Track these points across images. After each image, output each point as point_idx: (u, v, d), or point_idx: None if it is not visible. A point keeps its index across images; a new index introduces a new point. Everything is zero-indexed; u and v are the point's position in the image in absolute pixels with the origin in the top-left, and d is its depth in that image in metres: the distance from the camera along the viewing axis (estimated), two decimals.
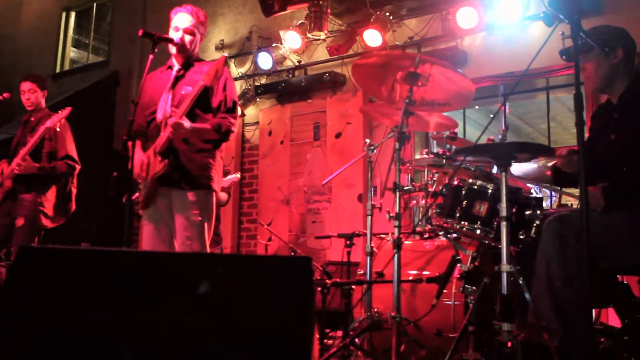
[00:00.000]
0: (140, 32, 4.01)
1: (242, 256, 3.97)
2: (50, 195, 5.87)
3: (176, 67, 4.28)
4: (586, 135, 3.65)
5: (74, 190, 6.07)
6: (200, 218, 4.07)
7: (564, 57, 3.34)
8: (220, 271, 1.90)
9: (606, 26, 3.48)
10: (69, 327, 1.83)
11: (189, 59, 4.28)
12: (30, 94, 6.06)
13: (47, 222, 5.82)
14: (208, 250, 4.23)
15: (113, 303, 1.86)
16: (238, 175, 6.83)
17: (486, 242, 3.70)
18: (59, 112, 5.70)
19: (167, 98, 4.15)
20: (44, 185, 5.83)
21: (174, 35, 4.21)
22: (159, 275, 1.90)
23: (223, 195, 6.43)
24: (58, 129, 5.75)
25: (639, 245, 3.12)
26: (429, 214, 3.77)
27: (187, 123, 3.93)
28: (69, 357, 1.81)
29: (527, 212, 3.41)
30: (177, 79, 4.23)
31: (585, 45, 3.31)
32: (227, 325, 1.82)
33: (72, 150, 5.96)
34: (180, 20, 4.23)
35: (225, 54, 4.74)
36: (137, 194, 4.19)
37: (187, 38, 4.22)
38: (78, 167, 5.97)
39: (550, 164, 3.90)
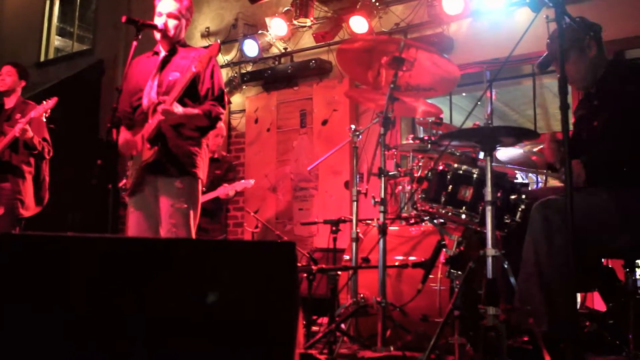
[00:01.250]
0: (124, 19, 3.98)
1: (225, 241, 3.97)
2: (28, 184, 5.83)
3: (163, 53, 4.26)
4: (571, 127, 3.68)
5: (47, 179, 6.03)
6: (185, 205, 4.05)
7: (539, 69, 3.43)
8: (204, 257, 1.90)
9: (568, 25, 3.40)
10: (52, 315, 1.82)
11: (174, 45, 4.25)
12: (6, 76, 5.98)
13: (24, 212, 5.77)
14: (194, 237, 4.22)
15: (96, 289, 1.85)
16: (252, 181, 6.77)
17: (471, 226, 3.71)
18: (45, 102, 5.64)
19: (152, 84, 4.13)
20: (21, 174, 5.78)
21: (157, 21, 4.18)
22: (142, 260, 1.89)
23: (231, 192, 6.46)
24: (44, 119, 5.71)
25: (624, 229, 3.15)
26: (415, 199, 3.77)
27: (178, 109, 3.91)
28: (52, 344, 1.80)
29: (513, 197, 3.42)
30: (164, 65, 4.20)
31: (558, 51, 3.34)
32: (211, 310, 1.82)
33: (48, 135, 5.92)
34: (164, 6, 4.20)
35: (219, 41, 4.69)
36: (124, 181, 4.17)
37: (171, 23, 4.18)
38: (52, 152, 5.93)
39: (536, 149, 3.91)
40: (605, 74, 3.44)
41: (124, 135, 4.10)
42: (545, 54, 3.61)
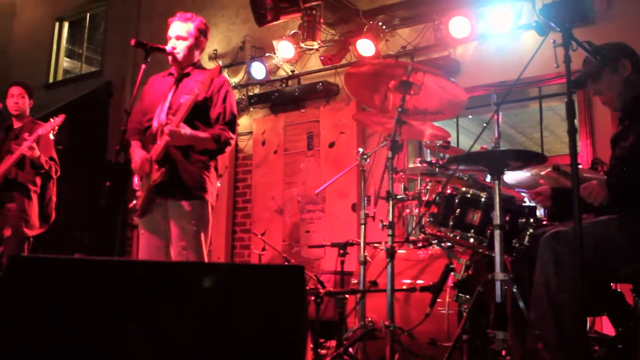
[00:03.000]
0: (133, 42, 4.00)
1: (234, 265, 3.96)
2: (34, 204, 5.84)
3: (176, 75, 4.28)
4: None
5: (54, 199, 6.04)
6: (195, 228, 4.05)
7: (574, 87, 3.37)
8: (213, 280, 1.89)
9: (606, 44, 3.47)
10: (60, 337, 1.82)
11: (186, 67, 4.27)
12: (19, 99, 6.02)
13: (28, 231, 5.77)
14: (205, 260, 4.21)
15: (105, 312, 1.85)
16: (218, 184, 6.74)
17: (479, 250, 3.70)
18: (52, 119, 5.67)
19: (163, 106, 4.15)
20: (27, 193, 5.79)
21: (168, 44, 4.20)
22: (151, 284, 1.89)
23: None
24: (52, 137, 5.74)
25: (632, 254, 3.13)
26: (423, 223, 3.77)
27: (184, 130, 3.92)
28: None
29: (521, 221, 3.41)
30: (177, 86, 4.22)
31: (595, 69, 3.33)
32: (220, 334, 1.82)
33: (55, 155, 5.94)
34: (173, 29, 4.23)
35: (220, 63, 4.72)
36: (134, 202, 4.17)
37: (180, 46, 4.20)
38: (59, 172, 5.94)
39: (543, 173, 3.91)
40: (638, 94, 3.42)
41: (138, 152, 4.14)
42: (580, 72, 3.57)
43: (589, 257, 2.54)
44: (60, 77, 12.24)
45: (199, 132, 4.04)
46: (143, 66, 3.96)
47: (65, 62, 12.44)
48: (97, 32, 12.12)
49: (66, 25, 12.46)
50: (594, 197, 3.14)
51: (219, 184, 6.90)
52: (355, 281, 4.54)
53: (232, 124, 4.18)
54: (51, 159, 5.86)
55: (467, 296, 3.64)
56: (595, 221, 3.26)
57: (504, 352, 3.04)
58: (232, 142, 4.18)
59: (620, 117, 3.56)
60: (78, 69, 12.40)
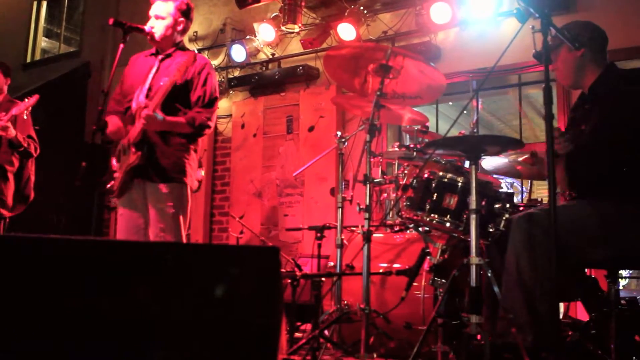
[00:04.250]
0: (111, 21, 3.96)
1: (209, 246, 3.96)
2: (10, 184, 5.78)
3: (160, 56, 4.23)
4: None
5: (32, 178, 5.98)
6: (173, 210, 4.03)
7: (536, 59, 3.36)
8: (187, 261, 1.89)
9: (574, 22, 3.50)
10: (35, 317, 1.80)
11: (166, 48, 4.22)
12: None
13: (5, 212, 5.72)
14: (184, 242, 4.20)
15: (78, 292, 1.83)
16: (202, 172, 6.74)
17: (456, 235, 3.72)
18: (26, 99, 5.60)
19: (143, 87, 4.11)
20: (3, 173, 5.73)
21: (148, 24, 4.16)
22: (124, 264, 1.88)
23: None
24: (25, 117, 5.67)
25: (606, 240, 3.16)
26: (399, 207, 3.78)
27: (159, 116, 3.89)
28: (34, 348, 1.79)
29: (497, 206, 3.43)
30: (158, 68, 4.18)
31: (553, 44, 3.35)
32: (193, 315, 1.81)
33: (34, 133, 5.88)
34: (153, 9, 4.18)
35: (195, 50, 4.67)
36: (111, 182, 4.14)
37: (158, 25, 4.14)
38: (39, 150, 5.88)
39: (520, 159, 3.93)
40: (600, 77, 3.43)
41: (114, 120, 4.11)
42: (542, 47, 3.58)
43: (561, 240, 2.56)
44: (38, 57, 12.07)
45: (174, 117, 4.01)
46: (121, 46, 3.91)
47: (43, 42, 12.27)
48: (75, 12, 11.97)
49: (44, 4, 12.28)
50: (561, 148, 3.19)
51: (202, 173, 6.88)
52: (332, 264, 4.55)
53: (210, 106, 4.14)
54: (29, 137, 5.80)
55: (443, 280, 3.67)
56: (567, 205, 3.29)
57: (479, 336, 3.06)
58: (211, 123, 4.13)
59: (580, 98, 3.60)
60: (56, 48, 12.24)
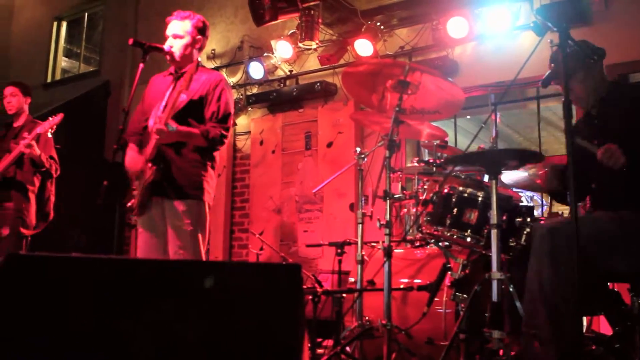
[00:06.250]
0: (131, 41, 3.99)
1: (231, 263, 3.96)
2: (31, 204, 5.82)
3: (175, 74, 4.26)
4: None
5: (52, 198, 6.03)
6: (192, 228, 4.03)
7: (543, 85, 3.41)
8: (210, 279, 1.89)
9: (581, 41, 3.47)
10: (58, 336, 1.81)
11: (184, 66, 4.24)
12: (12, 98, 6.00)
13: (25, 230, 5.76)
14: (203, 259, 4.20)
15: (102, 311, 1.84)
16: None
17: (476, 249, 3.71)
18: (50, 118, 5.67)
19: (159, 105, 4.13)
20: (25, 192, 5.79)
21: (166, 43, 4.19)
22: (148, 282, 1.89)
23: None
24: (50, 135, 5.73)
25: (629, 253, 3.13)
26: (420, 222, 3.78)
27: (172, 127, 3.87)
28: None
29: (518, 220, 3.42)
30: (175, 86, 4.19)
31: (571, 67, 3.35)
32: (216, 333, 1.82)
33: (55, 154, 5.93)
34: (170, 28, 4.20)
35: (200, 60, 4.64)
36: (132, 201, 4.16)
37: (177, 44, 4.17)
38: (59, 171, 5.94)
39: (540, 172, 3.91)
40: (608, 96, 3.45)
41: (130, 153, 4.13)
42: (548, 72, 3.60)
43: (585, 251, 2.55)
44: (58, 76, 12.22)
45: (188, 127, 4.01)
46: (141, 65, 3.94)
47: (63, 62, 12.43)
48: (95, 32, 12.11)
49: (64, 24, 12.46)
50: (614, 161, 3.13)
51: None
52: (353, 280, 4.54)
53: (224, 122, 4.13)
54: (51, 157, 5.86)
55: (464, 295, 3.65)
56: (589, 219, 3.27)
57: (501, 352, 3.05)
58: (226, 139, 4.13)
59: (585, 116, 3.59)
60: (76, 68, 12.40)
